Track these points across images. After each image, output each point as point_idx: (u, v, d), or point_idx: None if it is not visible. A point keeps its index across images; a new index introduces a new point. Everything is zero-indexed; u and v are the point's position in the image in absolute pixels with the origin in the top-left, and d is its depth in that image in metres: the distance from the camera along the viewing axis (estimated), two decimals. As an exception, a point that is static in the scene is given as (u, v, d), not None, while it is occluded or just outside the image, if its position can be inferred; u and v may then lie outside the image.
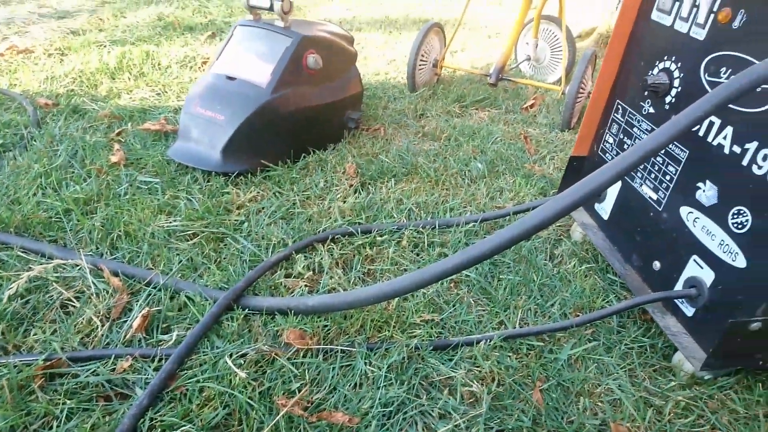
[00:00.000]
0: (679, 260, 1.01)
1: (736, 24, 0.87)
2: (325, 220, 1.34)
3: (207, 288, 1.09)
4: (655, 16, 1.07)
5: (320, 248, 1.23)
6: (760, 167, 0.83)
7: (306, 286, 1.12)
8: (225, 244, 1.24)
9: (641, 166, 1.12)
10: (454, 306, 1.12)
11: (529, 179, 1.64)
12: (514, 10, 2.56)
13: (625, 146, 1.18)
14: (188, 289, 1.08)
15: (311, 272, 1.17)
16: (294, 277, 1.15)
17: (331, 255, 1.22)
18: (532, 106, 2.30)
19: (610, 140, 1.24)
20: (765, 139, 0.82)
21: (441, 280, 0.97)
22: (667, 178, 1.04)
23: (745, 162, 0.86)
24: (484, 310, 1.12)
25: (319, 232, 1.30)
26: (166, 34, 2.81)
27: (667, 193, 1.04)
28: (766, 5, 0.82)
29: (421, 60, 2.33)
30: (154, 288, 1.09)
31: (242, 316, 1.02)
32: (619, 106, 1.20)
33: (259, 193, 1.44)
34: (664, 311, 1.04)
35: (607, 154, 1.25)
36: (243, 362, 0.92)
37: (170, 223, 1.28)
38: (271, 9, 1.54)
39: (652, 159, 1.09)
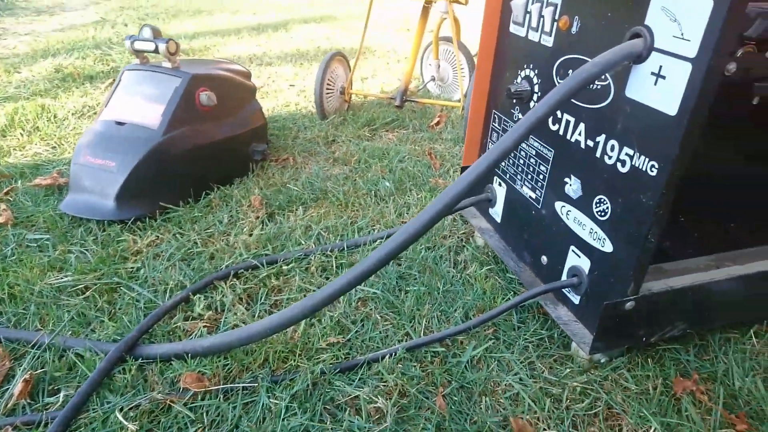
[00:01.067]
0: (560, 252, 1.07)
1: (573, 30, 0.95)
2: (227, 256, 1.32)
3: (98, 342, 1.03)
4: (512, 28, 1.15)
5: (222, 286, 1.21)
6: (610, 157, 0.90)
7: (205, 327, 1.09)
8: (120, 294, 1.18)
9: (521, 171, 1.19)
10: (362, 324, 1.12)
11: (434, 192, 1.69)
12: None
13: (507, 151, 1.25)
14: (77, 345, 1.02)
15: (212, 312, 1.14)
16: (193, 319, 1.11)
17: (234, 291, 1.19)
18: (437, 123, 2.38)
19: (495, 147, 1.30)
20: (610, 131, 0.89)
21: (332, 301, 0.97)
22: (541, 177, 1.10)
23: (598, 154, 0.93)
24: (390, 324, 1.13)
25: (221, 269, 1.27)
26: (64, 86, 2.70)
27: (543, 191, 1.10)
28: (593, 10, 0.90)
29: (328, 88, 2.37)
30: (40, 349, 1.02)
31: (136, 366, 0.98)
32: (495, 116, 1.27)
33: (158, 236, 1.40)
34: (556, 302, 1.09)
35: (495, 161, 1.32)
36: (135, 414, 0.88)
37: (60, 279, 1.22)
38: (156, 51, 1.53)
39: (527, 161, 1.15)
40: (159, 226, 1.45)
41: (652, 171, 0.81)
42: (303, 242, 1.39)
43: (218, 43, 3.66)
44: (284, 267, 1.28)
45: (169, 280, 1.22)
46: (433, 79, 2.79)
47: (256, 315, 1.14)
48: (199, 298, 1.15)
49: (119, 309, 1.14)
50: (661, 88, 0.77)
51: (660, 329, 1.00)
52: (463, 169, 1.38)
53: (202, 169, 1.59)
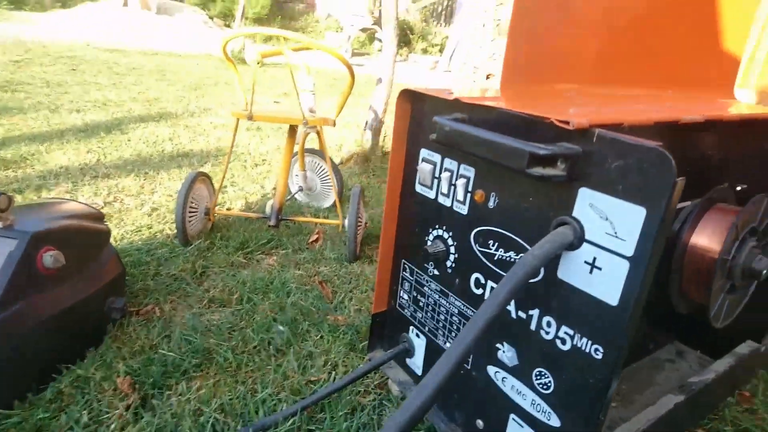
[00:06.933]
0: (499, 419, 1.03)
1: (491, 204, 0.97)
2: (99, 480, 1.02)
3: None
4: (419, 189, 1.14)
5: None
6: (547, 333, 0.90)
7: None
8: None
9: (442, 326, 1.15)
10: None
11: (336, 333, 1.57)
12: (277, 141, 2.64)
13: (420, 302, 1.21)
14: None
15: None
16: None
17: None
18: (316, 240, 2.30)
19: (405, 296, 1.26)
20: (545, 308, 0.90)
21: None
22: (469, 339, 1.07)
23: (533, 327, 0.93)
24: None
25: (92, 503, 0.97)
26: None
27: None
28: (512, 191, 0.93)
29: (191, 210, 2.15)
30: None
31: None
32: (406, 266, 1.23)
33: (-12, 467, 1.03)
34: (501, 472, 1.04)
35: (405, 309, 1.27)
36: None
37: None
38: (-23, 209, 1.21)
39: (448, 318, 1.12)
40: (-14, 445, 1.08)
41: (597, 354, 0.82)
42: (197, 436, 1.15)
43: (38, 151, 3.13)
44: (181, 483, 1.03)
45: None
46: (301, 189, 2.74)
47: None
48: None
49: None
50: (598, 278, 0.80)
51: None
52: (375, 316, 1.31)
53: (47, 350, 1.26)
